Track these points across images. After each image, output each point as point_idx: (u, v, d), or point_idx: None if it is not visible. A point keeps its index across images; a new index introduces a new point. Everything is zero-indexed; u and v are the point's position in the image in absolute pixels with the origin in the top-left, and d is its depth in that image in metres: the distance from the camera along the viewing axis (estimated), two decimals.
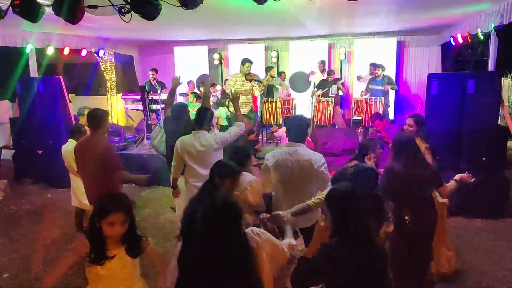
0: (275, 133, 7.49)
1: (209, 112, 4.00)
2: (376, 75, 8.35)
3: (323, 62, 9.23)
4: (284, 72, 10.03)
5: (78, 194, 4.48)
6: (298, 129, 3.30)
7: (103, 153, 3.66)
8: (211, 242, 1.85)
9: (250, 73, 6.95)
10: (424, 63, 10.09)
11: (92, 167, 3.69)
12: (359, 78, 9.39)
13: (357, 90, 9.68)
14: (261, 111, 8.21)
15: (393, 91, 8.91)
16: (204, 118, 3.89)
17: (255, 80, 7.17)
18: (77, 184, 4.38)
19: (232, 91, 4.70)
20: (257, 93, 7.36)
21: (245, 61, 6.93)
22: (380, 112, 7.89)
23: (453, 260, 3.84)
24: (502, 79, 8.61)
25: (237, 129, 3.97)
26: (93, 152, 3.68)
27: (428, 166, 3.15)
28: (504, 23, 5.67)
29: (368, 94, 8.41)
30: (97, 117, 3.75)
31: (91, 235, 2.27)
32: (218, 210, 1.92)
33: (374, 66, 8.44)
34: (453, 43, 8.26)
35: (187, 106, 5.67)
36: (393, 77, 8.93)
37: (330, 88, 8.60)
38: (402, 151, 3.08)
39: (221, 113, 8.01)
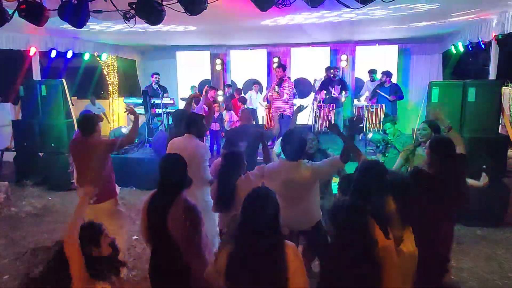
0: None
1: (199, 117, 4.06)
2: (383, 80, 8.33)
3: (329, 68, 9.15)
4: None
5: None
6: (295, 146, 3.18)
7: (100, 151, 3.75)
8: (254, 232, 1.98)
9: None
10: (426, 70, 10.11)
11: (87, 167, 3.81)
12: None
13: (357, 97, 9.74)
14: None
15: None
16: (193, 122, 3.93)
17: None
18: None
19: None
20: (285, 96, 7.41)
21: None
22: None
23: None
24: (503, 88, 8.61)
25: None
26: (89, 153, 3.77)
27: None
28: (506, 32, 5.70)
29: (371, 99, 8.41)
30: (90, 121, 3.83)
31: None
32: (261, 200, 2.07)
33: (384, 73, 8.36)
34: (454, 51, 8.29)
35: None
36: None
37: (333, 88, 8.58)
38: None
39: None
